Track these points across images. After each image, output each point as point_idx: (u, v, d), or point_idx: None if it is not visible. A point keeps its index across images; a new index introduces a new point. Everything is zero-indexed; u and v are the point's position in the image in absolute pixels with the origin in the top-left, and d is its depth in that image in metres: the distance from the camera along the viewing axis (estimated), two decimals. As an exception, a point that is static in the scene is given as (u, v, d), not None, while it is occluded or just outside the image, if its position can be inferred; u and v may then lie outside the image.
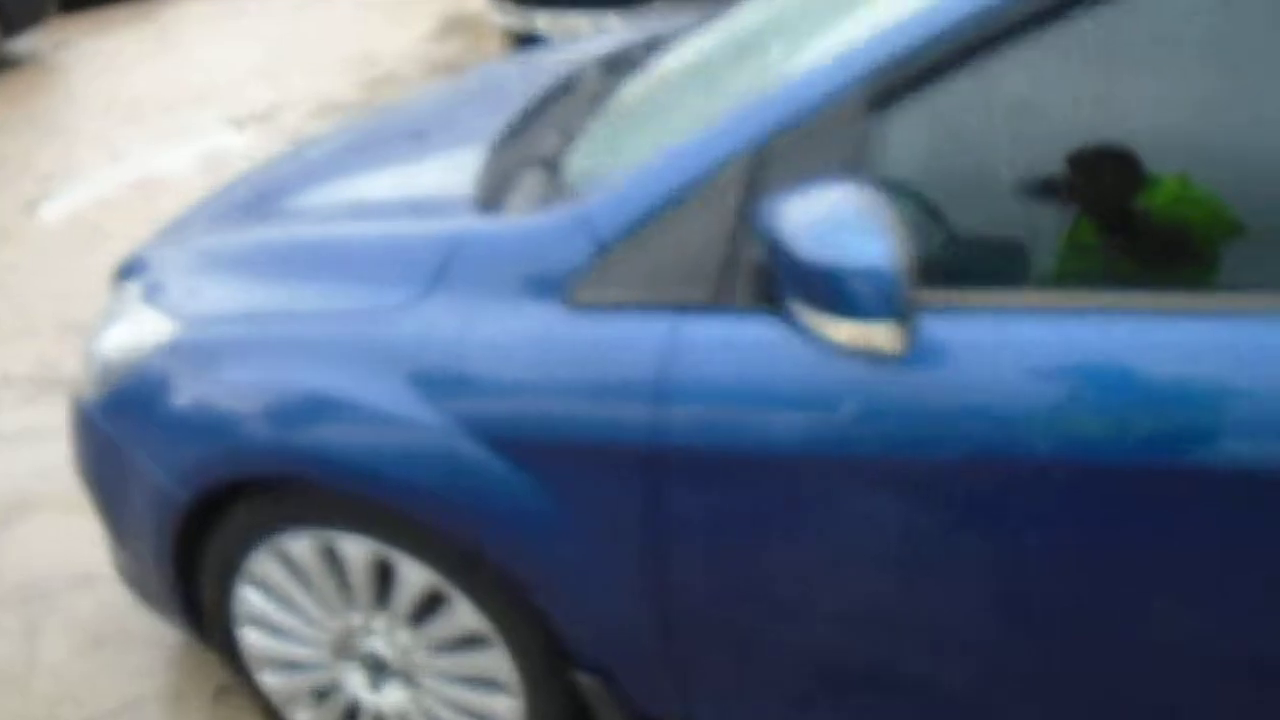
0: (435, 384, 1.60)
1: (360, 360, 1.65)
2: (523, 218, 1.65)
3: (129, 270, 2.17)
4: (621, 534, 1.58)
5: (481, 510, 1.62)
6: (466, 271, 1.63)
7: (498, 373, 1.57)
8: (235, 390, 1.74)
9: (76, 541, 2.83)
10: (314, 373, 1.68)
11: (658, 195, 1.51)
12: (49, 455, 3.23)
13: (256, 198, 2.24)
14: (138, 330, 1.92)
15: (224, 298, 1.84)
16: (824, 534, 1.49)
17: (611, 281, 1.53)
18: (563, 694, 1.79)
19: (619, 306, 1.52)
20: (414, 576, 1.77)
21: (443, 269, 1.65)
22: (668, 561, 1.58)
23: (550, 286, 1.56)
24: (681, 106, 1.77)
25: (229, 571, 1.92)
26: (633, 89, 2.10)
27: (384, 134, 2.43)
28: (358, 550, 1.79)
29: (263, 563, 1.88)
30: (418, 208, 1.87)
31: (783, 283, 1.40)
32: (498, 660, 1.79)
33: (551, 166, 1.86)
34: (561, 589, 1.65)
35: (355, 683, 1.98)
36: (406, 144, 2.30)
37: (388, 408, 1.62)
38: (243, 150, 5.77)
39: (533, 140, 2.07)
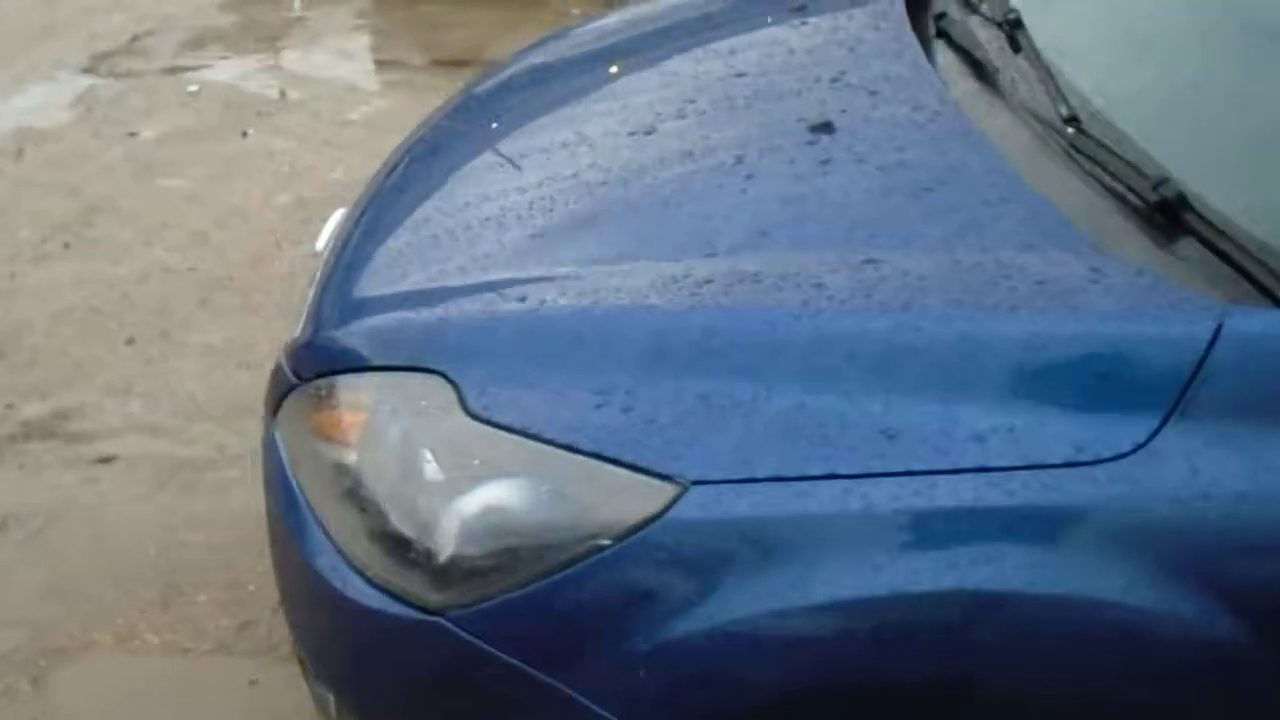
0: (1211, 563, 1.08)
1: (1074, 534, 1.10)
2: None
3: (322, 358, 1.42)
4: None
5: None
6: (1232, 388, 1.09)
7: None
8: (836, 601, 1.09)
9: None
10: (993, 561, 1.08)
11: None
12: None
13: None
14: (552, 495, 1.19)
15: (751, 435, 1.13)
16: None
17: None
18: None
19: None
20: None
21: (1187, 386, 1.09)
22: None
23: None
24: None
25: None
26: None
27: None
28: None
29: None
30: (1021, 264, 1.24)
31: None
32: None
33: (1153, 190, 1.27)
34: None
35: None
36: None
37: (1130, 604, 1.07)
38: (117, 91, 4.74)
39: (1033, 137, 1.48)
